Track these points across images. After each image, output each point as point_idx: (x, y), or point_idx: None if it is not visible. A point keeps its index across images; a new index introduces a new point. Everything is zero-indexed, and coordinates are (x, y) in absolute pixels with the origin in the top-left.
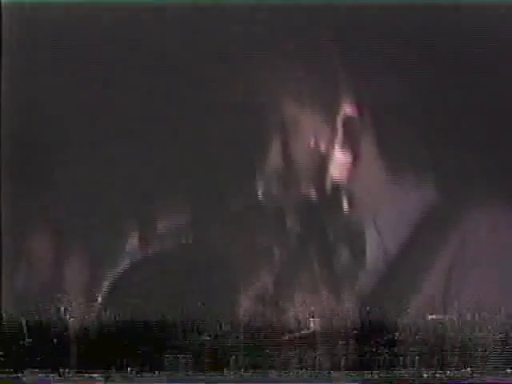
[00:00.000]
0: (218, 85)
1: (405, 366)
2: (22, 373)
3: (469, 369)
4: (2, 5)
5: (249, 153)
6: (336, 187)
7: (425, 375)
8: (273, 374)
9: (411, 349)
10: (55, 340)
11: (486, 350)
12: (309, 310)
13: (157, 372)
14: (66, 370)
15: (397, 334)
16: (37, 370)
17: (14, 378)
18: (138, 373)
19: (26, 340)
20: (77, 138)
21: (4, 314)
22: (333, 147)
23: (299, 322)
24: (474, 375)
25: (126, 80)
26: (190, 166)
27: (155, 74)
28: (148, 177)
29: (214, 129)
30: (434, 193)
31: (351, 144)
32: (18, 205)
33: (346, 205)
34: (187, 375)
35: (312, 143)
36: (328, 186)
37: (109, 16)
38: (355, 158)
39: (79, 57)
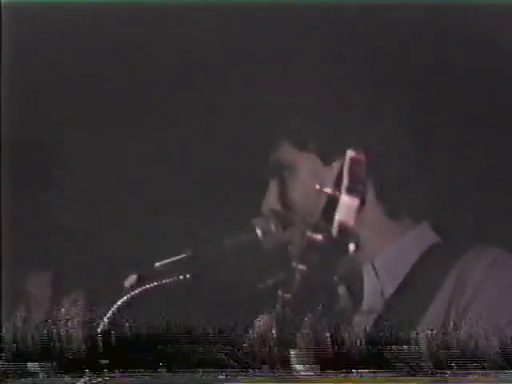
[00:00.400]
0: (226, 128)
1: None
2: None
3: None
4: (2, 5)
5: (249, 195)
6: (340, 230)
7: None
8: None
9: None
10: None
11: None
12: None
13: None
14: None
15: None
16: None
17: None
18: None
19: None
20: (76, 138)
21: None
22: (339, 191)
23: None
24: None
25: (127, 80)
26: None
27: (155, 73)
28: (146, 215)
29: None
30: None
31: (357, 188)
32: (18, 205)
33: (351, 247)
34: None
35: (316, 186)
36: (332, 228)
37: (109, 16)
38: (361, 201)
39: (79, 57)
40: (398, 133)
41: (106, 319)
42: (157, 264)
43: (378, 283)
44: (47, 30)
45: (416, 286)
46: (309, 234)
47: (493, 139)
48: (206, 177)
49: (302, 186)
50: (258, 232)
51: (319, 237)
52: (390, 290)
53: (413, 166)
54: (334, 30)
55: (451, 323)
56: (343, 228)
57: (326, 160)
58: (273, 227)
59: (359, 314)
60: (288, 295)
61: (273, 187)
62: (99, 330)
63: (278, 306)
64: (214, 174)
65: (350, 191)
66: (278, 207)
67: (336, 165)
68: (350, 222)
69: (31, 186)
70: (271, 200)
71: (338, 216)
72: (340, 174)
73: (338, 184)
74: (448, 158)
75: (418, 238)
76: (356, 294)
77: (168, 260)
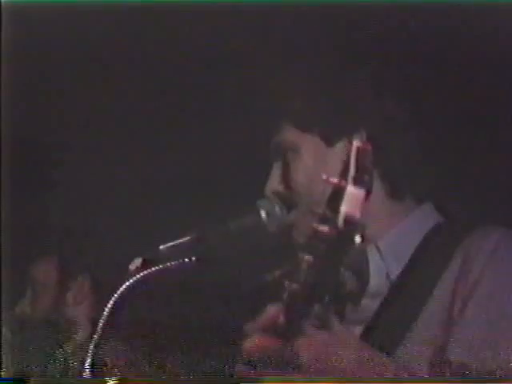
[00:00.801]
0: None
1: None
2: None
3: None
4: (2, 5)
5: (253, 178)
6: (346, 221)
7: None
8: None
9: None
10: None
11: None
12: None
13: None
14: None
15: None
16: None
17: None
18: None
19: None
20: (77, 138)
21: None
22: (345, 181)
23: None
24: None
25: (126, 80)
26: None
27: (155, 73)
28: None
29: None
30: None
31: (363, 178)
32: (18, 205)
33: (357, 238)
34: None
35: (323, 176)
36: (338, 219)
37: (109, 16)
38: (367, 192)
39: (79, 57)
40: (400, 114)
41: (109, 304)
42: (161, 246)
43: (382, 265)
44: (47, 30)
45: (421, 268)
46: (315, 225)
47: (494, 121)
48: (210, 161)
49: (305, 167)
50: (263, 214)
51: (325, 228)
52: (395, 271)
53: (415, 147)
54: (337, 17)
55: (458, 305)
56: (349, 219)
57: (329, 141)
58: (277, 209)
59: (366, 296)
60: (295, 285)
61: (276, 169)
62: (104, 314)
63: (285, 295)
64: (217, 158)
65: (357, 182)
66: (281, 188)
67: (340, 150)
68: (357, 213)
69: (31, 186)
70: (274, 182)
71: (344, 207)
72: (346, 163)
73: (344, 174)
74: (450, 139)
75: (422, 219)
76: (361, 277)
77: (173, 243)
